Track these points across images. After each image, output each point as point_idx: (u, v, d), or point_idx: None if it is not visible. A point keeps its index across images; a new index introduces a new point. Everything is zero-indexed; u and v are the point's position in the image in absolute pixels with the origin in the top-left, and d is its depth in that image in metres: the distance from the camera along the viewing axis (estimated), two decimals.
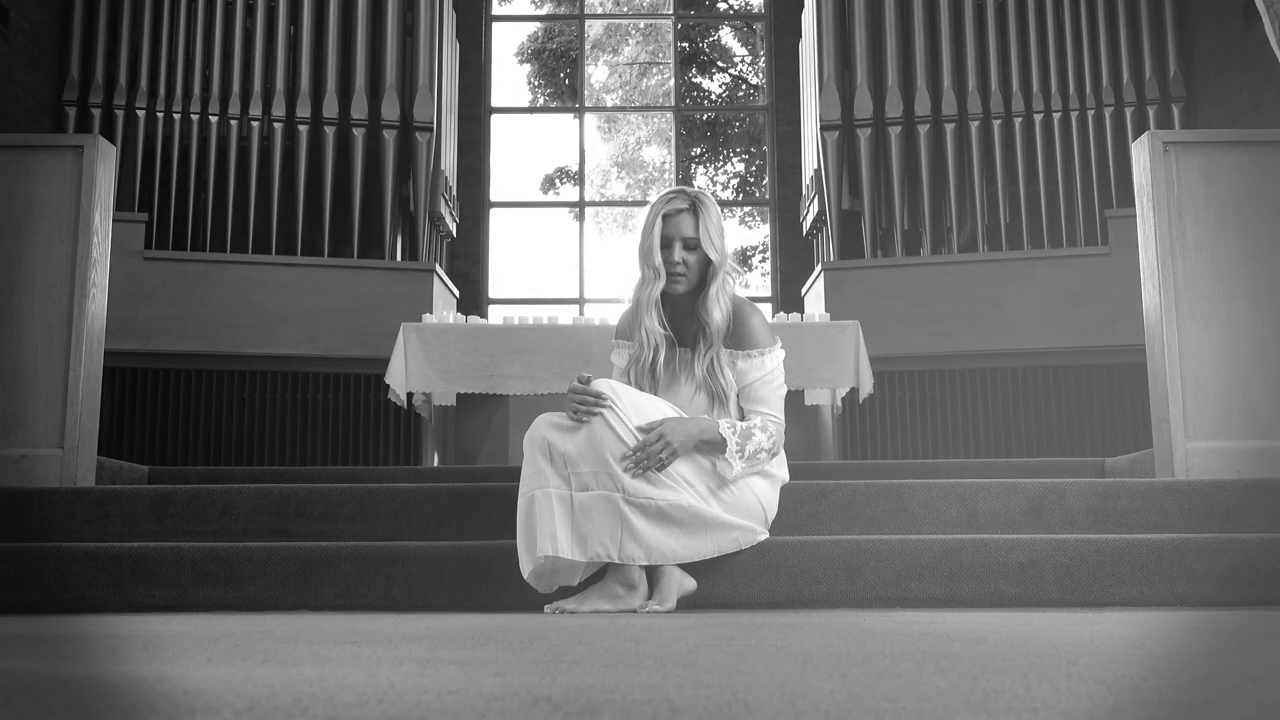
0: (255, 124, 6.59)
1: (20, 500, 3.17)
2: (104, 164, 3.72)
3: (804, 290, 7.13)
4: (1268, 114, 5.68)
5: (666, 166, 12.05)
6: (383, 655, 1.52)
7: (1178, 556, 2.72)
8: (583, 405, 2.58)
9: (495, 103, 8.34)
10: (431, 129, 6.68)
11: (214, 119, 6.58)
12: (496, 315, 7.71)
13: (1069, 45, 6.66)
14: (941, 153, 6.63)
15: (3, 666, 1.41)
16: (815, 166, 6.95)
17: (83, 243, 3.60)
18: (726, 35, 12.20)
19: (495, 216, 8.25)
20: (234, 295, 6.19)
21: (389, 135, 6.62)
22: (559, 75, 12.07)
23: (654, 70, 12.49)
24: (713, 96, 12.33)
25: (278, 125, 6.59)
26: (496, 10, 8.49)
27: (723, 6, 10.93)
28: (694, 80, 12.04)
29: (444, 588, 2.78)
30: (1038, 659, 1.40)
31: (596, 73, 12.46)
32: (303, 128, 6.58)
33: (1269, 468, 3.39)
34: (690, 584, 2.63)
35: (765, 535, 2.75)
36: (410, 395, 5.21)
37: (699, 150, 12.05)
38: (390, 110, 6.65)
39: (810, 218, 7.17)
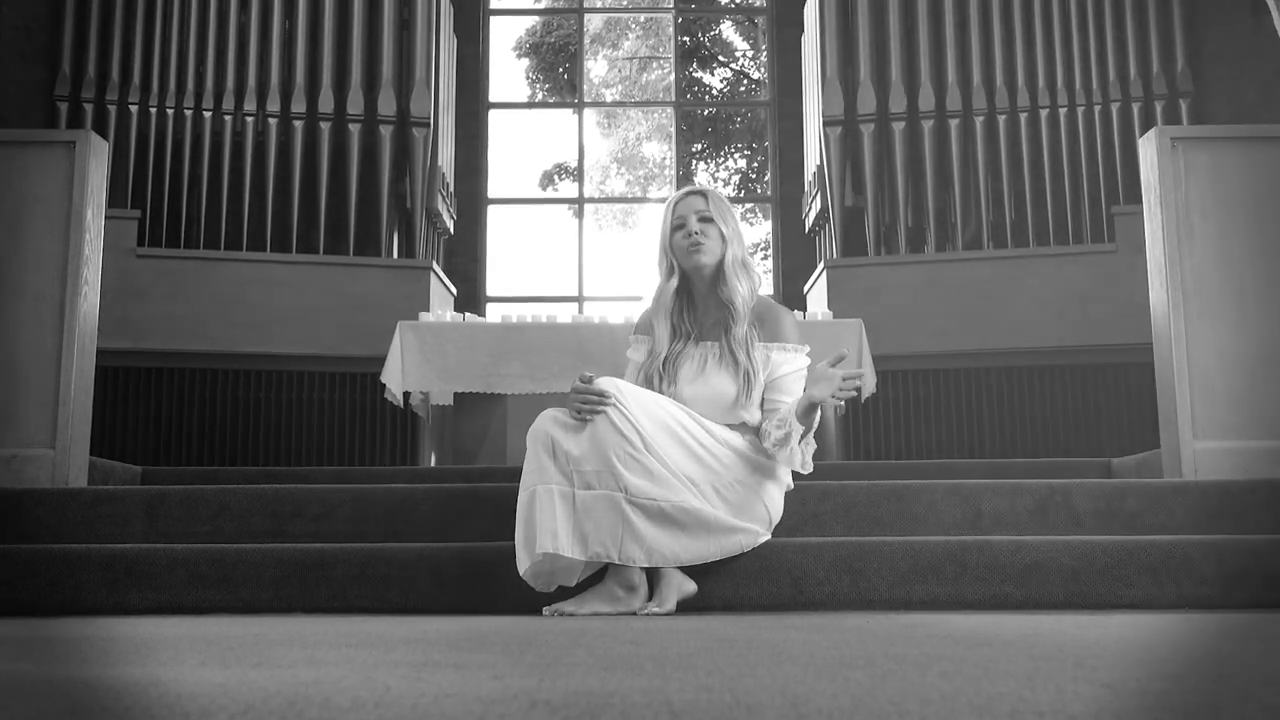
0: (250, 119, 6.58)
1: (11, 501, 3.17)
2: (96, 160, 3.71)
3: (806, 288, 7.13)
4: (1277, 109, 5.68)
5: (667, 162, 12.05)
6: (379, 658, 1.52)
7: (1186, 558, 2.72)
8: (586, 404, 2.58)
9: (493, 98, 8.34)
10: (429, 124, 6.68)
11: (208, 114, 6.58)
12: (495, 313, 7.70)
13: (1075, 39, 6.65)
14: (946, 148, 6.63)
15: None
16: (818, 162, 6.95)
17: (75, 240, 3.60)
18: (728, 29, 12.19)
19: (493, 213, 8.24)
20: (228, 293, 6.18)
21: (385, 131, 6.62)
22: (558, 70, 12.07)
23: (654, 65, 12.49)
24: (714, 91, 12.33)
25: (273, 121, 6.59)
26: (494, 4, 8.48)
27: (724, 0, 10.93)
28: (695, 75, 12.04)
29: (441, 590, 2.78)
30: (1043, 662, 1.40)
31: (596, 67, 12.45)
32: (298, 123, 6.58)
33: (1279, 468, 3.39)
34: (690, 586, 2.64)
35: (767, 537, 2.75)
36: (407, 395, 5.21)
37: (700, 146, 12.05)
38: (387, 105, 6.65)
39: (813, 214, 7.17)
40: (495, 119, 8.36)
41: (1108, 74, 6.58)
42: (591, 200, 11.28)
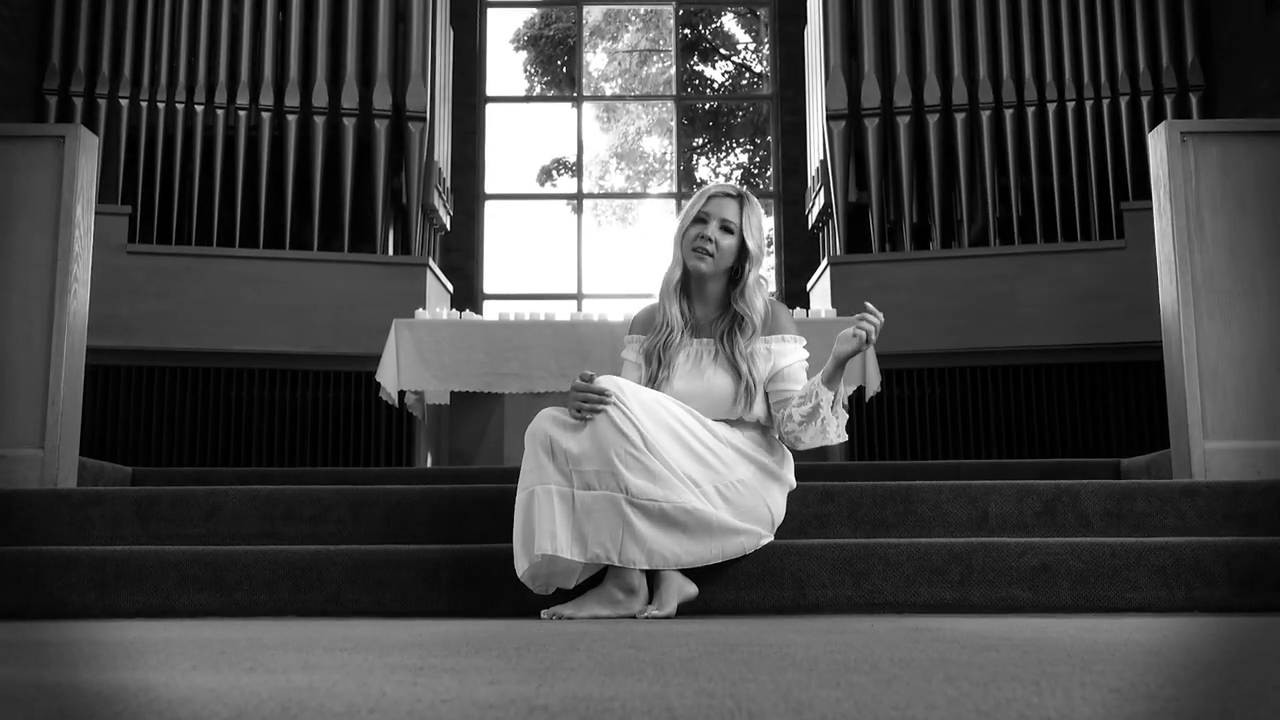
0: (242, 113, 6.58)
1: None
2: (86, 155, 3.71)
3: (809, 285, 7.13)
4: None
5: (667, 157, 12.05)
6: (374, 663, 1.52)
7: (1195, 560, 2.72)
8: (586, 403, 2.58)
9: (490, 91, 8.34)
10: (425, 118, 6.68)
11: (199, 108, 6.58)
12: (492, 311, 7.69)
13: (1083, 32, 6.65)
14: (952, 143, 6.63)
15: None
16: (821, 157, 6.95)
17: (64, 236, 3.60)
18: (729, 21, 12.18)
19: (490, 209, 8.25)
20: (220, 290, 6.18)
21: (380, 125, 6.62)
22: (556, 63, 12.06)
23: (654, 58, 12.48)
24: (715, 85, 12.32)
25: (265, 115, 6.59)
26: None
27: None
28: (696, 68, 12.03)
29: (437, 593, 2.78)
30: (1050, 666, 1.40)
31: (595, 60, 12.44)
32: (291, 117, 6.58)
33: None
34: (691, 589, 2.64)
35: (770, 538, 2.75)
36: (402, 394, 5.21)
37: (701, 141, 12.05)
38: (382, 99, 6.65)
39: (816, 210, 7.17)
40: (492, 113, 8.36)
41: (1116, 67, 6.58)
42: (590, 196, 11.27)
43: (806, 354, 2.88)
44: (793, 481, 2.86)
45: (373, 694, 1.19)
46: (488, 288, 8.06)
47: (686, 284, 2.89)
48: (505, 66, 11.72)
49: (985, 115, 6.59)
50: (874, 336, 2.72)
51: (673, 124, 9.58)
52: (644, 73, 12.57)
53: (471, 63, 8.04)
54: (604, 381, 2.61)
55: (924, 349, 6.22)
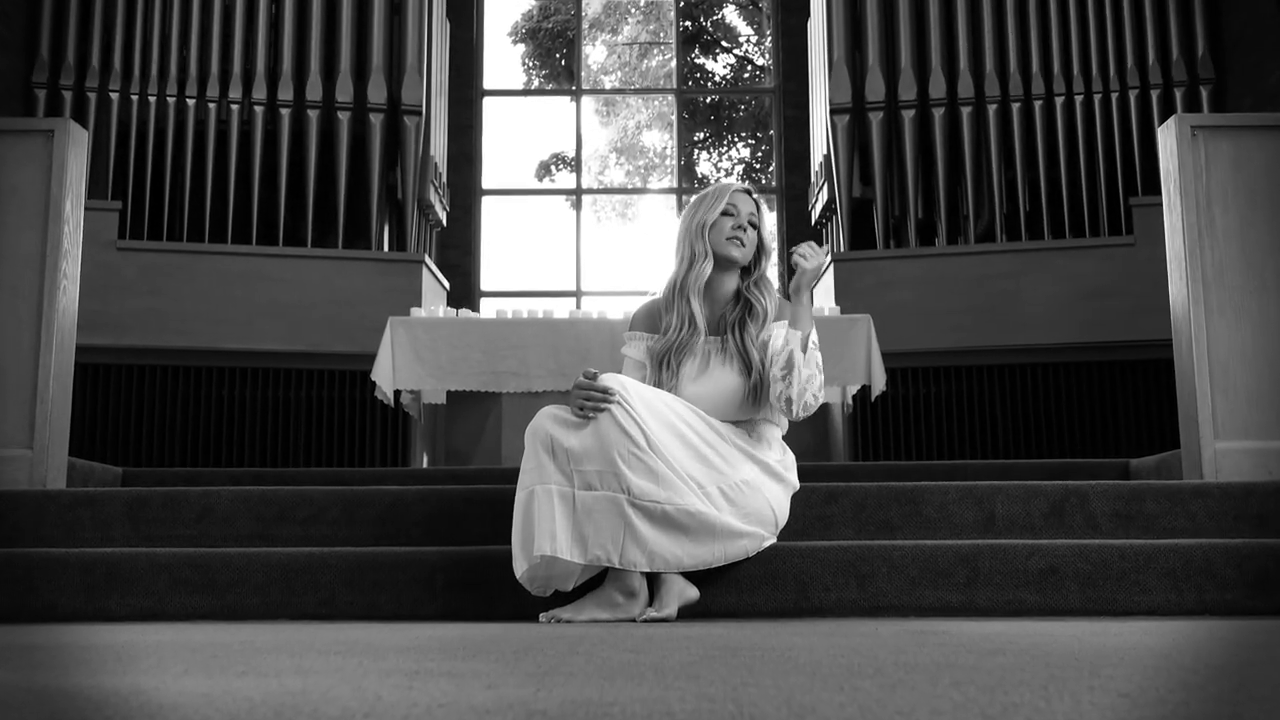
0: (235, 107, 6.58)
1: None
2: (75, 149, 3.71)
3: None
4: None
5: (668, 152, 12.05)
6: (369, 667, 1.52)
7: (1206, 562, 2.72)
8: (589, 401, 2.58)
9: (488, 85, 8.34)
10: (420, 112, 6.68)
11: (191, 102, 6.58)
12: (489, 309, 7.71)
13: (1092, 24, 6.64)
14: (958, 137, 6.62)
15: None
16: (824, 152, 6.95)
17: (53, 232, 3.60)
18: (731, 14, 12.19)
19: (488, 205, 8.25)
20: (212, 287, 6.18)
21: (375, 119, 6.62)
22: (555, 56, 12.06)
23: (655, 51, 12.48)
24: (716, 78, 12.32)
25: (258, 108, 6.59)
26: None
27: None
28: (697, 61, 12.03)
29: (433, 596, 2.78)
30: (1058, 670, 1.40)
31: (594, 53, 12.44)
32: (285, 111, 6.58)
33: None
34: (693, 593, 2.64)
35: (773, 541, 2.75)
36: (398, 393, 5.21)
37: (702, 135, 12.05)
38: (377, 93, 6.65)
39: (819, 206, 7.17)
40: (490, 107, 8.35)
41: (1126, 60, 6.58)
42: (590, 191, 11.28)
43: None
44: (796, 483, 2.87)
45: (367, 699, 1.19)
46: (485, 285, 8.06)
47: (705, 283, 2.90)
48: (503, 59, 11.73)
49: (992, 109, 6.59)
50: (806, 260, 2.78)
51: (673, 118, 9.58)
52: (644, 66, 12.56)
53: (468, 56, 8.04)
54: (607, 379, 2.61)
55: (929, 347, 6.22)
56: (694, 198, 2.97)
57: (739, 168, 12.12)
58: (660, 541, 2.54)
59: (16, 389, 3.51)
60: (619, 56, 12.61)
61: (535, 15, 12.04)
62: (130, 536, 3.14)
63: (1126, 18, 6.61)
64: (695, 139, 11.93)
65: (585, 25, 11.72)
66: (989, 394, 6.30)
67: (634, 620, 2.54)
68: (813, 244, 2.83)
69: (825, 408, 6.13)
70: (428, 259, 6.57)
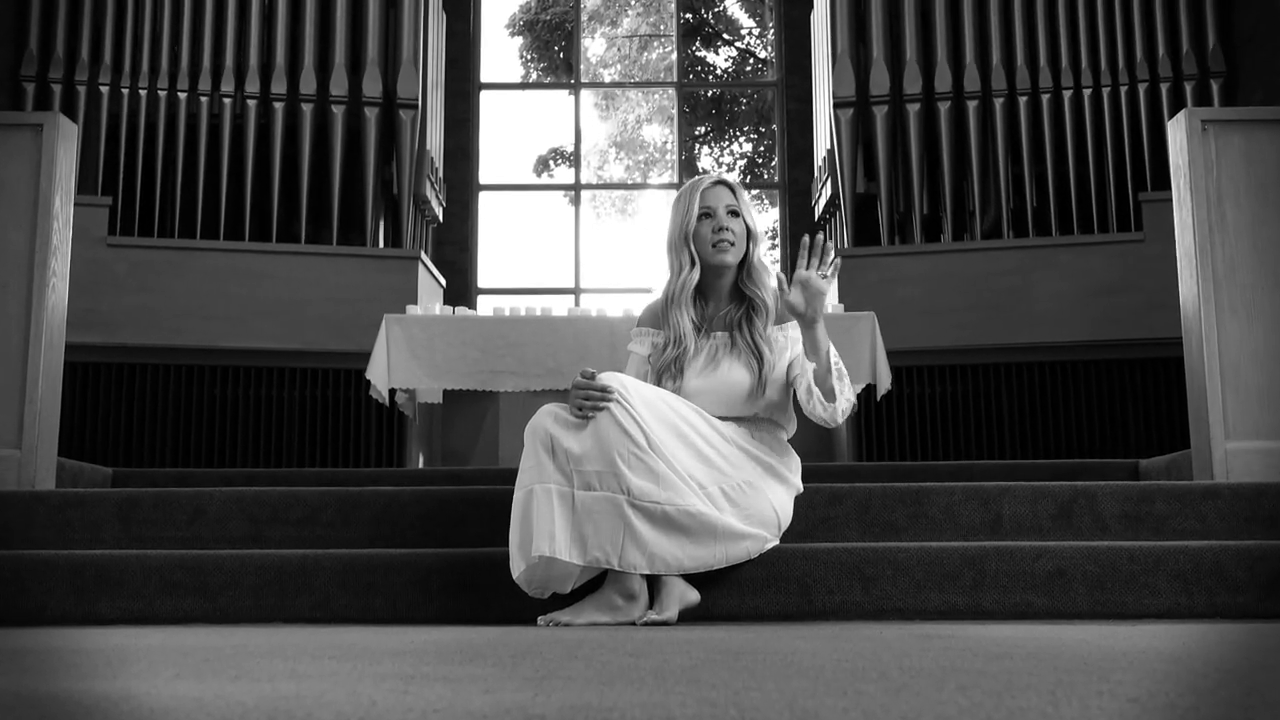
0: (227, 101, 6.58)
1: None
2: (65, 144, 3.71)
3: None
4: None
5: (668, 146, 12.05)
6: (364, 671, 1.52)
7: (1217, 565, 2.72)
8: (588, 400, 2.58)
9: (485, 78, 8.34)
10: (416, 106, 6.68)
11: (183, 95, 6.57)
12: (486, 306, 7.70)
13: (1100, 17, 6.64)
14: (964, 132, 6.62)
15: None
16: (828, 147, 6.94)
17: (42, 228, 3.60)
18: (733, 5, 12.19)
19: (485, 200, 8.24)
20: (205, 285, 6.18)
21: (371, 113, 6.62)
22: (553, 48, 12.06)
23: (655, 43, 12.48)
24: (718, 71, 12.32)
25: (251, 102, 6.58)
26: None
27: None
28: (698, 54, 12.03)
29: (429, 598, 2.78)
30: (1066, 675, 1.40)
31: (593, 46, 12.44)
32: (278, 105, 6.57)
33: None
34: (694, 595, 2.63)
35: (775, 543, 2.75)
36: (393, 392, 5.21)
37: (703, 129, 12.05)
38: (372, 86, 6.64)
39: (822, 202, 7.17)
40: (487, 100, 8.35)
41: (1135, 53, 6.57)
42: (589, 186, 11.28)
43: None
44: (799, 484, 2.87)
45: (362, 703, 1.19)
46: (482, 282, 8.06)
47: (699, 284, 2.89)
48: (500, 52, 11.73)
49: (999, 103, 6.58)
50: (808, 284, 2.72)
51: (674, 112, 9.58)
52: (644, 58, 12.56)
53: (465, 48, 8.03)
54: (607, 378, 2.61)
55: (935, 345, 6.22)
56: (673, 199, 2.95)
57: (741, 162, 12.12)
58: (661, 543, 2.54)
59: (5, 388, 3.51)
60: (618, 49, 12.61)
61: (533, 7, 12.04)
62: (121, 538, 3.13)
63: (1136, 10, 6.61)
64: (696, 133, 11.93)
65: (584, 17, 11.72)
66: (995, 393, 6.30)
67: (634, 623, 2.54)
68: (806, 270, 2.73)
69: None
70: (424, 255, 6.57)
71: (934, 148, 6.66)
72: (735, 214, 2.87)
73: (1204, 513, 3.06)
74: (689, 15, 11.53)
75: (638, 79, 12.57)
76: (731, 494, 2.66)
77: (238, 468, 5.89)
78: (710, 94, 12.20)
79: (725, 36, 12.25)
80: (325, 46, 6.73)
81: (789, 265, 7.83)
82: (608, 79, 12.36)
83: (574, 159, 9.12)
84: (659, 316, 2.92)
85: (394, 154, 6.69)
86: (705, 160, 12.01)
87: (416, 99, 6.68)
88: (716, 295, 2.91)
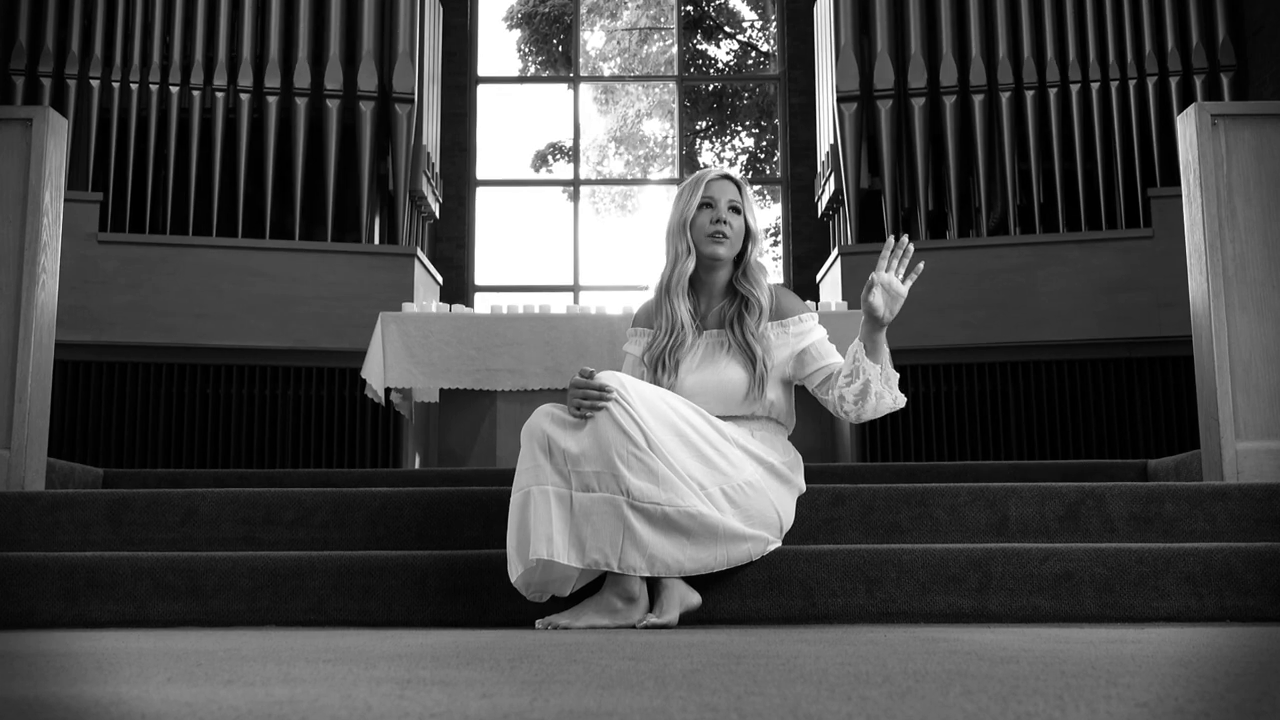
0: (220, 95, 6.58)
1: None
2: (55, 138, 3.71)
3: (819, 277, 7.13)
4: None
5: (669, 141, 12.04)
6: (359, 675, 1.52)
7: (1227, 567, 2.72)
8: (586, 400, 2.58)
9: (482, 72, 8.34)
10: (412, 100, 6.67)
11: (175, 89, 6.57)
12: (484, 304, 7.70)
13: (1109, 9, 6.64)
14: (969, 126, 6.62)
15: None
16: (831, 141, 6.94)
17: (31, 225, 3.60)
18: None
19: (482, 196, 8.24)
20: (197, 282, 6.19)
21: (366, 107, 6.62)
22: (552, 42, 12.05)
23: (655, 36, 12.47)
24: (719, 65, 12.32)
25: (244, 96, 6.58)
26: None
27: None
28: (699, 47, 12.03)
29: (426, 601, 2.78)
30: (1074, 679, 1.40)
31: (593, 39, 12.44)
32: (272, 99, 6.58)
33: None
34: (694, 598, 2.63)
35: (778, 544, 2.75)
36: (389, 391, 5.21)
37: (704, 124, 12.05)
38: (367, 80, 6.64)
39: (826, 197, 7.17)
40: (484, 94, 8.35)
41: (1143, 46, 6.57)
42: (588, 182, 11.27)
43: (823, 329, 2.92)
44: (802, 485, 2.86)
45: (358, 708, 1.19)
46: (479, 279, 8.05)
47: (693, 277, 2.90)
48: (498, 45, 11.72)
49: (1005, 97, 6.58)
50: (890, 288, 2.75)
51: (674, 106, 9.58)
52: (644, 52, 12.55)
53: (462, 42, 8.03)
54: (605, 377, 2.61)
55: (940, 343, 6.22)
56: (679, 188, 2.96)
57: (742, 157, 12.11)
58: (661, 545, 2.54)
59: None
60: (618, 42, 12.61)
61: (531, 0, 12.04)
62: (111, 540, 3.14)
63: (1144, 2, 6.61)
64: (697, 128, 11.93)
65: (583, 10, 11.72)
66: (1002, 392, 6.30)
67: (634, 626, 2.54)
68: (887, 272, 2.77)
69: None
70: (420, 252, 6.57)
71: (939, 142, 6.66)
72: (737, 211, 2.87)
73: (1214, 514, 3.06)
74: (689, 8, 11.52)
75: (638, 72, 12.56)
76: (732, 495, 2.66)
77: (230, 468, 5.90)
78: (711, 88, 12.19)
79: (727, 29, 12.25)
80: (320, 39, 6.73)
81: (791, 262, 7.84)
82: (607, 72, 12.36)
83: (573, 154, 9.12)
84: (654, 315, 2.92)
85: (390, 149, 6.69)
86: (706, 155, 12.01)
87: (413, 93, 6.68)
88: (709, 290, 2.91)
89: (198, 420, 6.22)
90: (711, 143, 12.19)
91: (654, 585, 2.61)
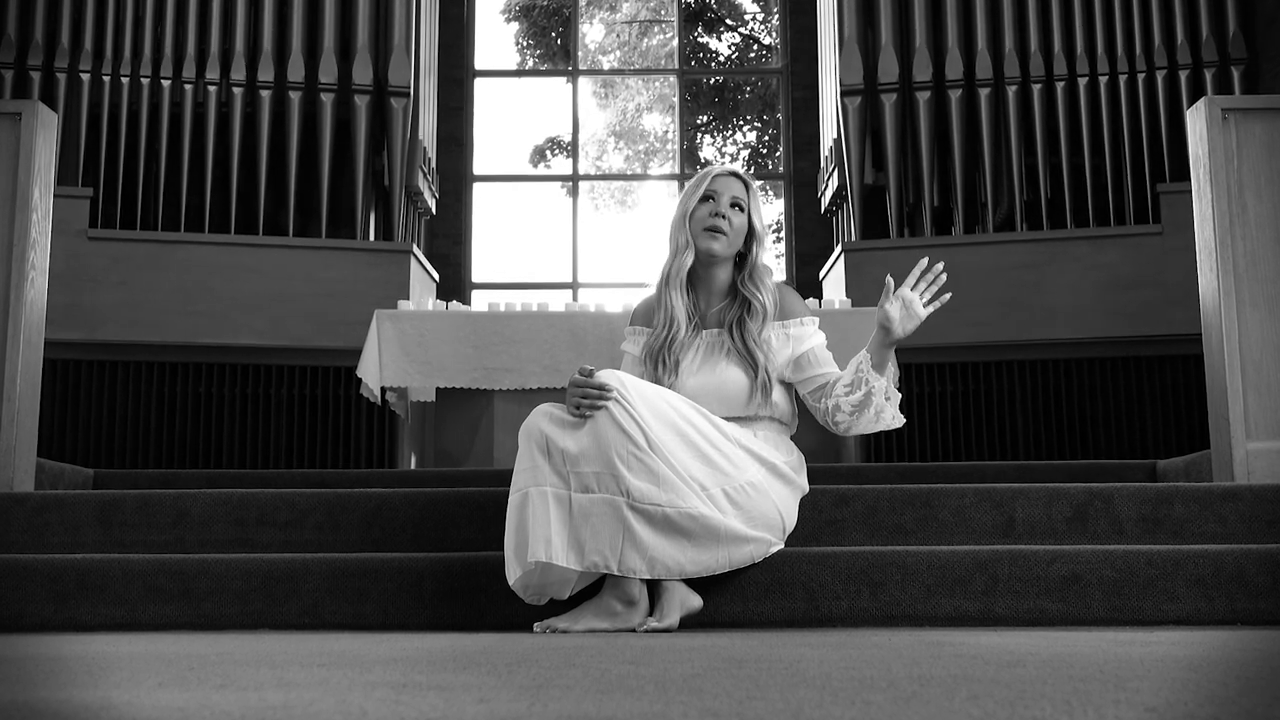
0: (212, 89, 6.58)
1: None
2: (44, 133, 3.71)
3: (822, 274, 7.13)
4: None
5: (669, 136, 12.04)
6: (354, 679, 1.52)
7: (1238, 569, 2.72)
8: (585, 399, 2.58)
9: (479, 65, 8.34)
10: (408, 94, 6.67)
11: (166, 83, 6.57)
12: (481, 301, 7.71)
13: (1117, 1, 6.64)
14: (975, 120, 6.62)
15: None
16: (834, 136, 6.94)
17: (20, 221, 3.60)
18: None
19: (479, 191, 8.24)
20: (189, 279, 6.18)
21: (361, 101, 6.61)
22: (550, 34, 12.05)
23: (656, 29, 12.47)
24: (721, 58, 12.32)
25: (237, 90, 6.58)
26: None
27: None
28: (700, 40, 12.02)
29: (422, 604, 2.79)
30: (1082, 683, 1.40)
31: (592, 32, 12.44)
32: (265, 93, 6.57)
33: None
34: (695, 601, 2.63)
35: (780, 546, 2.75)
36: (384, 390, 5.21)
37: (705, 118, 12.04)
38: (362, 73, 6.64)
39: (829, 193, 7.17)
40: (482, 88, 8.35)
41: (1153, 39, 6.57)
42: (587, 177, 11.27)
43: (823, 335, 2.90)
44: (805, 485, 2.86)
45: (353, 713, 1.19)
46: (476, 276, 8.05)
47: (692, 274, 2.89)
48: (495, 38, 11.71)
49: (1011, 90, 6.58)
50: (909, 305, 2.75)
51: (675, 100, 9.58)
52: (644, 45, 12.55)
53: (459, 34, 8.03)
54: (605, 376, 2.61)
55: (945, 342, 6.22)
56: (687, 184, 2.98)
57: (744, 152, 12.11)
58: (661, 547, 2.54)
59: None
60: (618, 35, 12.61)
61: None
62: (102, 542, 3.14)
63: None
64: (698, 122, 11.93)
65: (582, 2, 11.71)
66: (1008, 391, 6.30)
67: (634, 630, 2.54)
68: (912, 291, 2.78)
69: None
70: (416, 249, 6.57)
71: (945, 137, 6.66)
72: (740, 208, 2.86)
73: (1224, 515, 3.06)
74: (691, 0, 11.52)
75: (638, 66, 12.56)
76: (734, 496, 2.65)
77: (223, 469, 5.90)
78: (712, 81, 12.19)
79: (728, 22, 12.25)
80: (313, 31, 6.73)
81: (793, 259, 7.84)
82: (606, 66, 12.35)
83: (571, 149, 9.12)
84: (652, 312, 2.92)
85: (385, 143, 6.69)
86: (707, 150, 12.00)
87: (408, 86, 6.67)
88: (708, 289, 2.91)
89: (190, 420, 6.22)
90: (713, 137, 12.19)
91: (654, 588, 2.61)
